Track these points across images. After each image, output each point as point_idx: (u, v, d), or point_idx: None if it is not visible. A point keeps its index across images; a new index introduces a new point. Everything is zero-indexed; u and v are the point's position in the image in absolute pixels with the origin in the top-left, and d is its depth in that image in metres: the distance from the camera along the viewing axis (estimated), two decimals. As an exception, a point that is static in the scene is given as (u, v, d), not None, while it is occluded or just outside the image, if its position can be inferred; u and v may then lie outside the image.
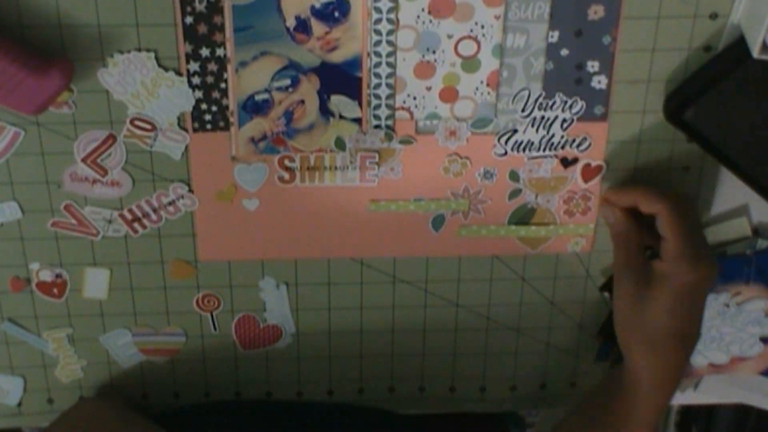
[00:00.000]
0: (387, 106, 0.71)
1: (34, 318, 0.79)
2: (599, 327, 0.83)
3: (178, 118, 0.71)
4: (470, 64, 0.70)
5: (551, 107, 0.72)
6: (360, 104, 0.71)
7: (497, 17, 0.68)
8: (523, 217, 0.77)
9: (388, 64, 0.69)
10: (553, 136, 0.73)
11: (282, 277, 0.78)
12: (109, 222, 0.75)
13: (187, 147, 0.72)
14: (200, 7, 0.66)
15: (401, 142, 0.73)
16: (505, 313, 0.82)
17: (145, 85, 0.69)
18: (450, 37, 0.69)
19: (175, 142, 0.72)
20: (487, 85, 0.71)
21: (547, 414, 1.12)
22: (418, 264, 0.79)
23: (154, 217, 0.75)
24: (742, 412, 1.20)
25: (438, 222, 0.77)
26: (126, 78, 0.68)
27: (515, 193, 0.76)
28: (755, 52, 0.66)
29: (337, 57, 0.69)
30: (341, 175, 0.74)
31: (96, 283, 0.77)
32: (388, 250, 0.78)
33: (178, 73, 0.69)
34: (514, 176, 0.75)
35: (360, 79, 0.70)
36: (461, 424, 0.90)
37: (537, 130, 0.73)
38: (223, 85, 0.69)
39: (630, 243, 0.72)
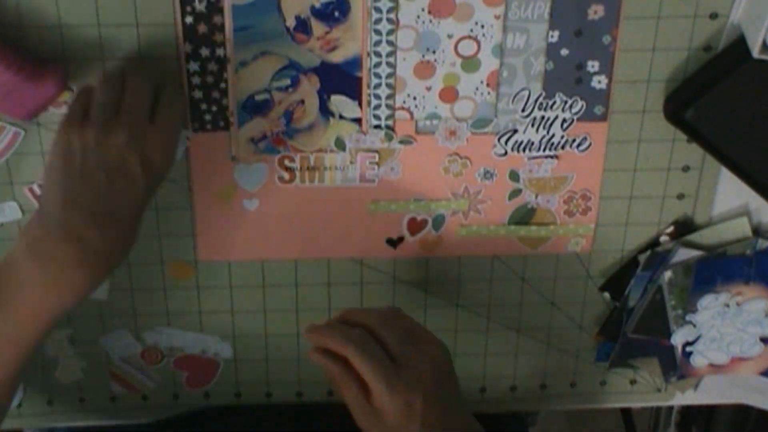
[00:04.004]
0: (387, 106, 0.71)
1: (34, 318, 0.79)
2: (599, 327, 0.83)
3: (178, 118, 0.71)
4: (470, 63, 0.70)
5: (551, 107, 0.72)
6: (360, 104, 0.71)
7: (497, 17, 0.68)
8: (523, 217, 0.77)
9: (388, 64, 0.69)
10: (553, 136, 0.73)
11: (282, 277, 0.78)
12: (109, 222, 0.74)
13: (187, 147, 0.72)
14: (200, 7, 0.66)
15: (401, 142, 0.73)
16: (505, 313, 0.82)
17: (145, 85, 0.69)
18: (450, 36, 0.69)
19: (175, 142, 0.71)
20: (487, 85, 0.71)
21: (547, 414, 1.12)
22: (418, 264, 0.79)
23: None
24: (742, 412, 1.20)
25: (438, 222, 0.77)
26: (126, 78, 0.68)
27: (515, 193, 0.76)
28: (755, 52, 0.66)
29: (337, 57, 0.69)
30: (341, 175, 0.74)
31: (96, 284, 0.77)
32: (388, 250, 0.78)
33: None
34: (514, 176, 0.75)
35: (360, 79, 0.70)
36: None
37: (537, 130, 0.73)
38: (223, 85, 0.69)
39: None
